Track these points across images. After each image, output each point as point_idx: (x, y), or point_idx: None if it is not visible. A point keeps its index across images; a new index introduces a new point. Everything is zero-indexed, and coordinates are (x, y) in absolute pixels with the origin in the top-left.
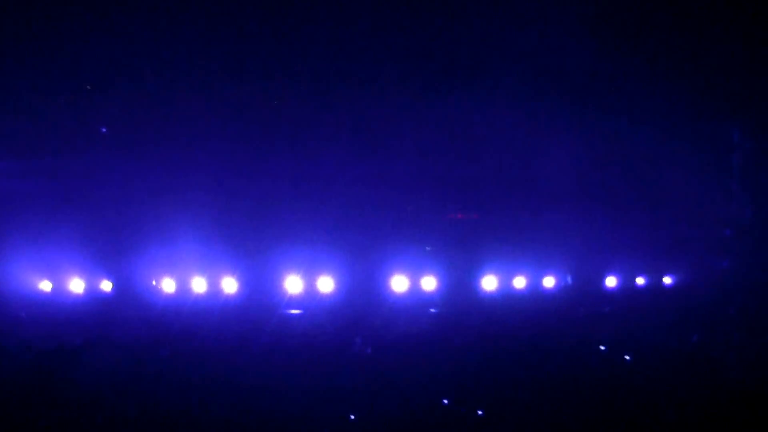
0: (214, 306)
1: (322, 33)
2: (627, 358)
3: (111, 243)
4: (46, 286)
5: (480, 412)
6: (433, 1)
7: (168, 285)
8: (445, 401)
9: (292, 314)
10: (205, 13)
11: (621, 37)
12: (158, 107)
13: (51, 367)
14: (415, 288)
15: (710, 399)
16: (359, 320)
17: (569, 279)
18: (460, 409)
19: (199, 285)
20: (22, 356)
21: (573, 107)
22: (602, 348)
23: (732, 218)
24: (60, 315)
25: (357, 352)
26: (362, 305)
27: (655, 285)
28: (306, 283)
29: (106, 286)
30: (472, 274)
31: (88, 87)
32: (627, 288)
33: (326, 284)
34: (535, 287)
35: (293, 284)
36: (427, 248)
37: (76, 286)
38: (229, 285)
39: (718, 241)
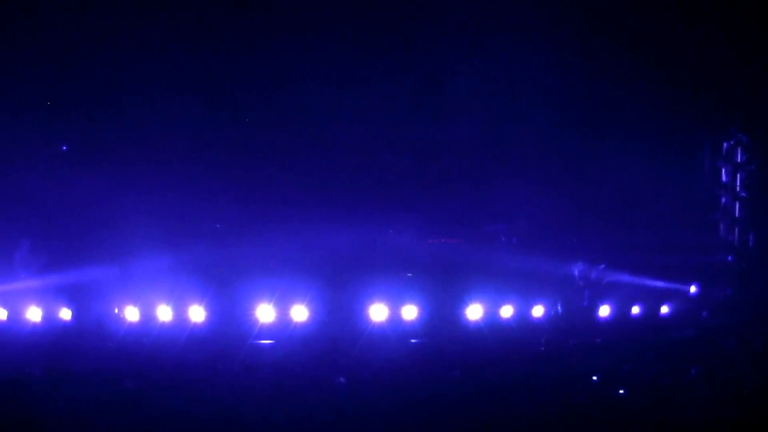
0: (180, 336)
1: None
2: (621, 391)
3: (70, 268)
4: (0, 314)
5: None
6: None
7: (131, 313)
8: None
9: (263, 345)
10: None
11: (612, 63)
12: (123, 129)
13: (5, 401)
14: (394, 317)
15: None
16: (335, 351)
17: (559, 308)
18: None
19: (164, 313)
20: None
21: (565, 129)
22: (594, 378)
23: (733, 245)
24: (16, 345)
25: (332, 386)
26: (338, 335)
27: (650, 314)
28: (278, 312)
29: (66, 314)
30: (455, 302)
31: (48, 103)
32: (621, 317)
33: (300, 313)
34: (523, 317)
35: (265, 313)
36: (408, 274)
37: (34, 314)
38: (197, 313)
39: (719, 268)
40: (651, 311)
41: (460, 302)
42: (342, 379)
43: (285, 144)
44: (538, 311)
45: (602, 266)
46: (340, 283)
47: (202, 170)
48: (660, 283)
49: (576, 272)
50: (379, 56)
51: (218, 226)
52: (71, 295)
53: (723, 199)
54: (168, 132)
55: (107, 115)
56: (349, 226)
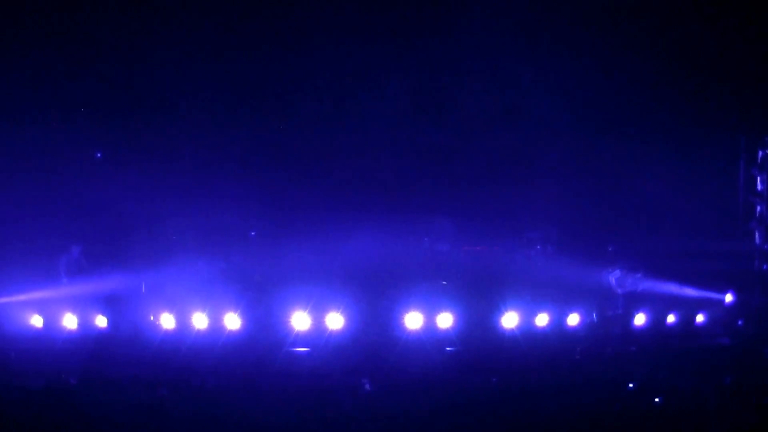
0: (215, 343)
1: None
2: (657, 399)
3: (106, 276)
4: (37, 321)
5: None
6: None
7: (167, 320)
8: None
9: (298, 352)
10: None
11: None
12: (158, 138)
13: (41, 408)
14: (430, 325)
15: None
16: (370, 359)
17: (595, 316)
18: None
19: (199, 321)
20: (10, 397)
21: (602, 137)
22: (630, 386)
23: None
24: (52, 353)
25: (367, 394)
26: (373, 343)
27: (686, 322)
28: (314, 320)
29: (101, 321)
30: (491, 310)
31: (82, 109)
32: (656, 326)
33: (335, 321)
34: (558, 325)
35: (300, 321)
36: (444, 282)
37: (70, 321)
38: (232, 321)
39: (754, 276)
40: (686, 319)
41: (496, 310)
42: (365, 382)
43: (321, 152)
44: (573, 319)
45: (638, 274)
46: (375, 290)
47: (238, 178)
48: (695, 292)
49: (612, 280)
50: (414, 65)
51: (253, 233)
52: (107, 302)
53: (758, 208)
54: (204, 140)
55: (145, 123)
56: (384, 234)
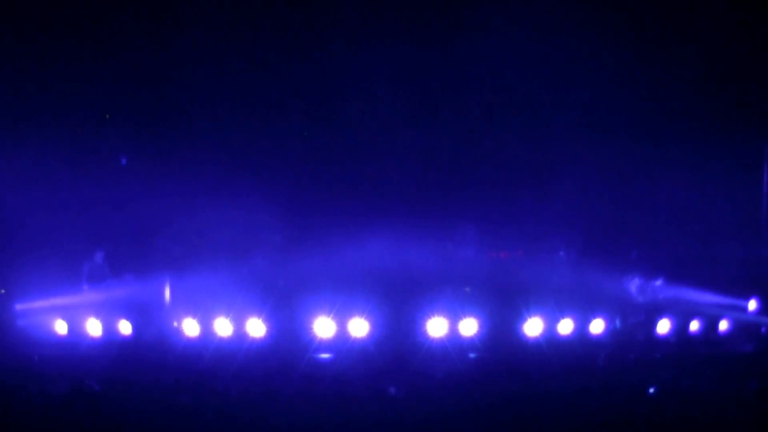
0: (239, 350)
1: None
2: (681, 407)
3: (130, 282)
4: (61, 327)
5: None
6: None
7: (190, 327)
8: None
9: (322, 359)
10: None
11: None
12: (181, 142)
13: (64, 414)
14: (453, 332)
15: None
16: (393, 366)
17: (618, 323)
18: None
19: (223, 327)
20: (34, 402)
21: (625, 141)
22: (652, 392)
23: None
24: (75, 359)
25: (391, 401)
26: (397, 350)
27: (709, 329)
28: (337, 326)
29: (125, 327)
30: (514, 316)
31: (107, 116)
32: (680, 332)
33: (358, 327)
34: (582, 331)
35: (324, 327)
36: (467, 289)
37: (93, 327)
38: (256, 327)
39: None
40: (710, 326)
41: (519, 316)
42: (389, 389)
43: (343, 157)
44: (596, 326)
45: (659, 281)
46: (398, 296)
47: (261, 183)
48: (719, 298)
49: (633, 287)
50: (436, 69)
51: (277, 238)
52: (131, 308)
53: None
54: (228, 146)
55: (168, 129)
56: (408, 240)
